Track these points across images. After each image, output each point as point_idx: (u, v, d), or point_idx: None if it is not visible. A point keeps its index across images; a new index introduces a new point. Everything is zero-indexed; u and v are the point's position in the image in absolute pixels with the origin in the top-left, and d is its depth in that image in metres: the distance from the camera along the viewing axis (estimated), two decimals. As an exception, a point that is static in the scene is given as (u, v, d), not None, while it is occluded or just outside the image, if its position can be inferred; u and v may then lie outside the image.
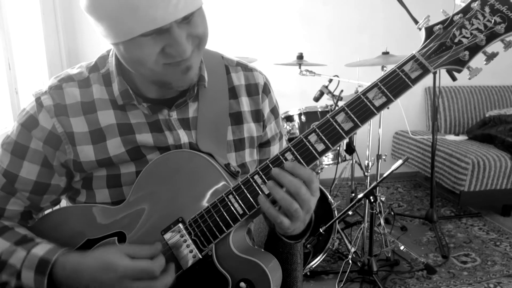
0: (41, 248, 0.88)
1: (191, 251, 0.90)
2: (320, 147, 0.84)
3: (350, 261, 2.33)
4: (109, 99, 0.95)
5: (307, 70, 2.67)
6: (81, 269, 0.84)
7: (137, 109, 0.96)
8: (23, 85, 2.42)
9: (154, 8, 0.74)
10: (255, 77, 1.09)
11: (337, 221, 2.33)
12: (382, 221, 2.52)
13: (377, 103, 0.82)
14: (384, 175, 2.17)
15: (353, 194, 3.06)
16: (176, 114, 0.98)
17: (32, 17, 2.84)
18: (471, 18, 0.81)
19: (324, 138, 0.84)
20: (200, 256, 0.89)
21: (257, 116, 1.08)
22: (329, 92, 2.57)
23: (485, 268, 2.55)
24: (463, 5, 0.81)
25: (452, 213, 3.36)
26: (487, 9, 0.80)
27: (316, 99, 2.67)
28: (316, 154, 0.84)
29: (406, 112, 3.24)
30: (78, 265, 0.85)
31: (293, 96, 3.70)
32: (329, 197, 2.35)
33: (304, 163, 0.84)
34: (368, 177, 2.54)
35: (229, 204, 0.88)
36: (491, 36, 0.80)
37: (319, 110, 2.58)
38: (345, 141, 2.58)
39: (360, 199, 2.24)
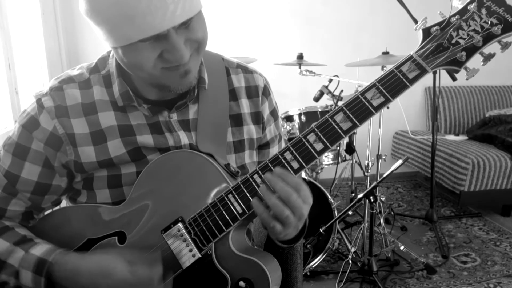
0: (39, 249, 0.88)
1: (190, 250, 0.90)
2: (319, 146, 0.85)
3: (350, 261, 2.33)
4: (109, 100, 0.96)
5: (307, 70, 2.67)
6: (80, 271, 0.85)
7: (138, 111, 0.96)
8: (23, 85, 2.43)
9: (152, 16, 0.75)
10: (255, 79, 1.09)
11: (337, 221, 2.34)
12: (382, 221, 2.52)
13: (375, 103, 0.83)
14: (384, 175, 2.18)
15: (353, 194, 3.06)
16: (176, 115, 0.99)
17: (32, 17, 2.84)
18: (468, 20, 0.81)
19: (322, 137, 0.85)
20: (200, 255, 0.90)
21: (257, 118, 1.08)
22: (329, 92, 2.58)
23: (485, 268, 2.55)
24: (460, 6, 0.82)
25: (452, 213, 3.36)
26: (483, 11, 0.80)
27: (316, 99, 2.67)
28: (315, 154, 0.85)
29: (406, 112, 3.24)
30: (77, 266, 0.86)
31: (293, 96, 3.70)
32: (329, 197, 2.35)
33: (303, 163, 0.85)
34: (368, 177, 2.55)
35: (229, 203, 0.88)
36: (488, 37, 0.81)
37: (319, 110, 2.59)
38: (345, 141, 2.59)
39: (360, 199, 2.25)
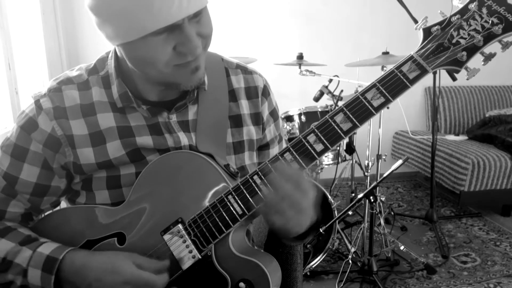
0: (47, 247, 0.89)
1: (190, 252, 0.90)
2: (319, 147, 0.85)
3: (350, 261, 2.33)
4: (108, 101, 0.95)
5: (307, 70, 2.67)
6: (89, 266, 0.86)
7: (137, 112, 0.96)
8: (23, 85, 2.43)
9: (169, 3, 0.75)
10: (254, 80, 1.09)
11: (337, 221, 2.33)
12: (382, 221, 2.52)
13: (376, 103, 0.83)
14: (384, 175, 2.17)
15: (353, 194, 3.06)
16: (175, 116, 0.99)
17: (32, 17, 2.84)
18: (468, 19, 0.81)
19: (323, 138, 0.84)
20: (200, 257, 0.90)
21: (257, 119, 1.08)
22: (329, 92, 2.58)
23: (485, 268, 2.55)
24: (461, 6, 0.82)
25: (452, 213, 3.36)
26: (484, 10, 0.80)
27: (316, 99, 2.67)
28: (315, 154, 0.85)
29: (406, 112, 3.24)
30: (87, 262, 0.86)
31: (293, 96, 3.70)
32: (329, 197, 2.35)
33: (303, 163, 0.85)
34: (368, 177, 2.54)
35: (229, 204, 0.88)
36: (489, 37, 0.81)
37: (319, 110, 2.59)
38: (345, 141, 2.58)
39: (360, 199, 2.25)
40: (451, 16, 0.83)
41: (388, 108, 0.86)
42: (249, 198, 0.87)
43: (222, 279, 0.88)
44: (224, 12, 3.50)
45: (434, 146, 2.80)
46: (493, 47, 0.82)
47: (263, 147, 1.13)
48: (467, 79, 0.84)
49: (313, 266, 2.36)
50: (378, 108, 0.83)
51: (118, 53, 0.93)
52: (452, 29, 0.82)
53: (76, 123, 0.93)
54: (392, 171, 2.18)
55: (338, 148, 2.58)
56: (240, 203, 0.87)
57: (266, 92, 1.10)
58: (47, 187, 0.96)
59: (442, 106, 3.91)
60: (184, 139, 0.97)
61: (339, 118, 0.84)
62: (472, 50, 0.82)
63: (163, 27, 0.77)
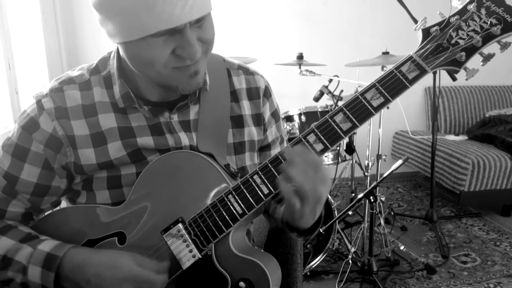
0: (47, 244, 0.89)
1: (190, 251, 0.90)
2: (318, 147, 0.85)
3: (350, 261, 2.33)
4: (110, 102, 0.95)
5: (307, 70, 2.67)
6: (89, 263, 0.86)
7: (138, 112, 0.96)
8: (23, 85, 2.43)
9: (171, 7, 0.74)
10: (256, 80, 1.09)
11: (337, 221, 2.34)
12: (382, 221, 2.52)
13: (375, 103, 0.83)
14: (384, 175, 2.18)
15: (353, 194, 3.06)
16: (177, 116, 0.99)
17: (32, 17, 2.84)
18: (467, 20, 0.81)
19: (322, 138, 0.85)
20: (200, 256, 0.90)
21: (258, 120, 1.08)
22: (329, 92, 2.58)
23: (485, 268, 2.55)
24: (460, 7, 0.82)
25: (452, 213, 3.36)
26: (483, 11, 0.80)
27: (316, 99, 2.67)
28: (314, 154, 0.85)
29: (406, 112, 3.24)
30: (87, 259, 0.86)
31: (293, 96, 3.70)
32: (329, 197, 2.35)
33: None
34: (368, 177, 2.54)
35: (229, 204, 0.88)
36: (488, 38, 0.81)
37: (319, 110, 2.59)
38: (345, 141, 2.59)
39: (360, 199, 2.25)
40: (450, 17, 0.83)
41: (388, 108, 0.86)
42: (249, 198, 0.87)
43: (222, 278, 0.89)
44: (224, 12, 3.51)
45: (434, 146, 2.80)
46: (492, 47, 0.83)
47: (264, 148, 1.14)
48: (466, 79, 0.84)
49: (313, 266, 2.36)
50: (377, 108, 0.83)
51: (121, 53, 0.93)
52: (451, 30, 0.82)
53: (77, 123, 0.93)
54: (392, 171, 2.19)
55: (338, 148, 2.58)
56: (240, 202, 0.87)
57: (267, 93, 1.10)
58: (47, 187, 0.96)
59: (442, 106, 3.92)
60: (185, 139, 0.98)
61: (338, 118, 0.85)
62: (471, 50, 0.82)
63: (163, 30, 0.77)
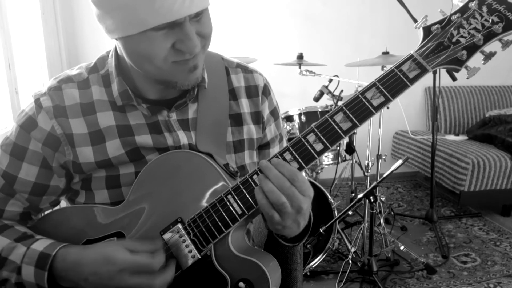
0: (41, 244, 0.88)
1: (190, 251, 0.90)
2: (318, 147, 0.85)
3: (350, 261, 2.33)
4: (108, 100, 0.95)
5: (307, 70, 2.67)
6: (81, 262, 0.85)
7: (137, 110, 0.96)
8: (23, 85, 2.43)
9: (171, 1, 0.75)
10: (255, 78, 1.09)
11: (337, 221, 2.33)
12: (382, 221, 2.52)
13: (375, 102, 0.83)
14: (384, 175, 2.17)
15: (353, 194, 3.06)
16: (175, 115, 0.98)
17: (32, 17, 2.84)
18: (468, 18, 0.81)
19: (322, 138, 0.84)
20: (199, 256, 0.89)
21: (257, 118, 1.08)
22: (329, 92, 2.58)
23: (485, 268, 2.55)
24: (461, 4, 0.81)
25: (452, 213, 3.36)
26: (484, 9, 0.80)
27: (316, 99, 2.67)
28: (314, 154, 0.85)
29: (406, 112, 3.24)
30: (79, 258, 0.85)
31: (293, 96, 3.70)
32: (329, 197, 2.35)
33: (303, 163, 0.85)
34: (368, 177, 2.54)
35: (228, 204, 0.88)
36: (489, 36, 0.80)
37: (319, 110, 2.59)
38: (345, 141, 2.58)
39: (360, 199, 2.24)
40: (451, 15, 0.82)
41: (388, 108, 0.86)
42: (249, 198, 0.86)
43: (222, 279, 0.88)
44: (224, 12, 3.50)
45: (434, 146, 2.80)
46: (493, 46, 0.82)
47: (263, 147, 1.13)
48: (467, 78, 0.84)
49: (313, 266, 2.36)
50: (377, 108, 0.83)
51: (119, 51, 0.93)
52: (452, 28, 0.82)
53: (75, 122, 0.93)
54: (392, 171, 2.18)
55: (338, 148, 2.58)
56: (239, 202, 0.87)
57: (266, 91, 1.10)
58: (46, 186, 0.96)
59: (442, 106, 3.91)
60: (183, 138, 0.97)
61: (338, 117, 0.84)
62: (472, 49, 0.82)
63: (163, 23, 0.77)
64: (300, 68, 2.71)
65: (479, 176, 3.07)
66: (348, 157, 2.71)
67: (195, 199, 0.91)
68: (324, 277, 2.46)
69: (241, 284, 0.87)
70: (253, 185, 0.86)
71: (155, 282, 0.83)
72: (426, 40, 0.83)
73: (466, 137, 3.65)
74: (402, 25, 3.15)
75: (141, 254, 0.84)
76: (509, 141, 3.18)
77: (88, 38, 3.37)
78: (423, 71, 0.82)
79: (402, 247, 2.50)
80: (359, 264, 2.40)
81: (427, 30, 0.83)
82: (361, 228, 2.52)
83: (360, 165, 2.90)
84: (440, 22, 0.83)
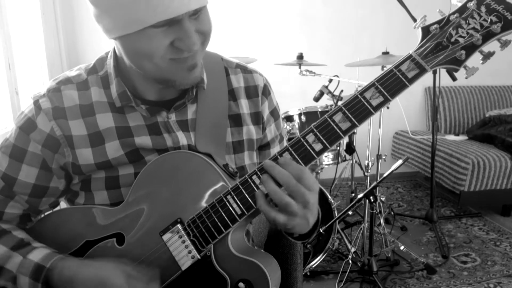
0: (38, 254, 0.88)
1: (189, 252, 0.90)
2: (317, 147, 0.85)
3: (350, 261, 2.33)
4: (107, 101, 0.95)
5: (307, 70, 2.67)
6: (76, 278, 0.84)
7: (136, 112, 0.95)
8: (23, 85, 2.43)
9: None
10: (254, 79, 1.08)
11: (337, 221, 2.33)
12: (382, 221, 2.52)
13: (375, 102, 0.83)
14: (384, 175, 2.17)
15: (353, 194, 3.06)
16: (174, 116, 0.98)
17: (32, 17, 2.84)
18: (467, 18, 0.81)
19: (321, 138, 0.84)
20: (199, 257, 0.89)
21: (257, 118, 1.07)
22: (329, 92, 2.58)
23: (485, 268, 2.55)
24: (459, 4, 0.82)
25: (452, 213, 3.36)
26: (483, 9, 0.80)
27: (316, 99, 2.67)
28: (314, 154, 0.85)
29: (406, 112, 3.24)
30: (75, 274, 0.85)
31: (293, 96, 3.70)
32: (329, 197, 2.35)
33: (302, 163, 0.85)
34: (368, 177, 2.54)
35: (228, 204, 0.88)
36: (488, 36, 0.80)
37: (319, 110, 2.58)
38: (345, 141, 2.59)
39: (360, 199, 2.25)
40: (450, 15, 0.82)
41: (388, 108, 0.86)
42: (248, 198, 0.86)
43: (222, 279, 0.88)
44: (224, 12, 3.50)
45: (434, 146, 2.80)
46: (492, 45, 0.82)
47: (263, 147, 1.13)
48: (466, 78, 0.84)
49: (313, 266, 2.36)
50: (377, 108, 0.83)
51: (117, 52, 0.93)
52: (451, 28, 0.82)
53: (75, 123, 0.92)
54: (392, 171, 2.18)
55: (338, 148, 2.58)
56: (239, 203, 0.87)
57: (266, 91, 1.09)
58: (45, 188, 0.96)
59: (442, 106, 3.91)
60: (183, 138, 0.97)
61: (338, 117, 0.84)
62: (471, 48, 0.82)
63: (163, 20, 0.76)
64: (300, 68, 2.71)
65: (479, 176, 3.07)
66: (348, 157, 2.70)
67: (195, 199, 0.91)
68: (324, 277, 2.46)
69: (241, 284, 0.87)
70: (253, 185, 0.86)
71: None
72: (425, 40, 0.83)
73: (466, 137, 3.65)
74: (402, 25, 3.15)
75: (137, 280, 0.84)
76: (509, 141, 3.18)
77: (88, 39, 3.37)
78: (422, 71, 0.82)
79: (402, 247, 2.50)
80: (359, 264, 2.40)
81: (426, 30, 0.84)
82: (361, 228, 2.52)
83: (360, 165, 2.90)
84: (438, 22, 0.83)
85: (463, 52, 0.81)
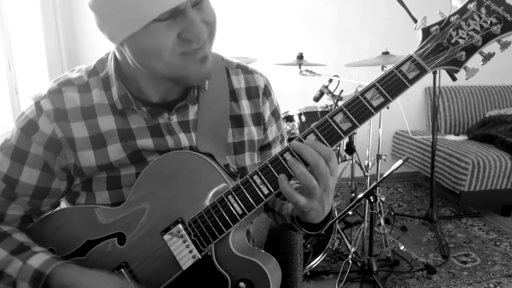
0: (37, 259, 0.88)
1: (190, 252, 0.90)
2: (318, 147, 0.85)
3: (350, 261, 2.33)
4: (108, 104, 0.94)
5: (307, 70, 2.67)
6: (77, 286, 0.85)
7: (137, 114, 0.95)
8: (23, 85, 2.43)
9: None
10: (255, 79, 1.08)
11: (337, 221, 2.34)
12: (382, 221, 2.52)
13: (375, 103, 0.83)
14: (384, 175, 2.17)
15: (353, 194, 3.06)
16: (176, 117, 0.98)
17: (32, 17, 2.84)
18: (467, 19, 0.81)
19: (322, 138, 0.84)
20: (200, 257, 0.89)
21: (258, 119, 1.07)
22: (329, 92, 2.58)
23: (485, 268, 2.55)
24: (460, 6, 0.82)
25: (452, 213, 3.36)
26: (483, 10, 0.80)
27: (316, 99, 2.67)
28: (314, 154, 0.85)
29: (406, 112, 3.24)
30: (74, 283, 0.85)
31: (293, 96, 3.70)
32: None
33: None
34: (368, 177, 2.54)
35: (229, 204, 0.88)
36: (488, 37, 0.81)
37: (319, 110, 2.58)
38: (345, 141, 2.58)
39: (360, 199, 2.25)
40: (450, 16, 0.83)
41: (388, 108, 0.86)
42: (249, 198, 0.86)
43: (222, 279, 0.88)
44: (225, 12, 3.50)
45: (434, 146, 2.80)
46: (492, 47, 0.83)
47: (265, 147, 1.13)
48: (466, 79, 0.84)
49: (313, 266, 2.36)
50: (377, 108, 0.83)
51: (118, 55, 0.92)
52: (451, 29, 0.82)
53: (76, 125, 0.92)
54: (392, 171, 2.18)
55: (338, 148, 2.58)
56: (240, 203, 0.87)
57: (267, 91, 1.09)
58: (47, 189, 0.95)
59: (442, 106, 3.91)
60: (184, 140, 0.97)
61: (338, 118, 0.84)
62: (471, 50, 0.82)
63: (165, 11, 0.75)
64: (300, 68, 2.71)
65: (479, 176, 3.07)
66: (348, 157, 2.70)
67: (196, 199, 0.91)
68: (324, 277, 2.47)
69: (241, 284, 0.87)
70: (254, 185, 0.86)
71: None
72: (425, 41, 0.83)
73: (466, 137, 3.66)
74: (402, 26, 3.15)
75: None
76: (509, 141, 3.18)
77: (88, 39, 3.37)
78: (422, 72, 0.82)
79: (402, 247, 2.50)
80: (359, 264, 2.40)
81: (426, 31, 0.84)
82: (361, 228, 2.52)
83: (360, 165, 2.90)
84: (439, 23, 0.83)
85: (463, 53, 0.82)
